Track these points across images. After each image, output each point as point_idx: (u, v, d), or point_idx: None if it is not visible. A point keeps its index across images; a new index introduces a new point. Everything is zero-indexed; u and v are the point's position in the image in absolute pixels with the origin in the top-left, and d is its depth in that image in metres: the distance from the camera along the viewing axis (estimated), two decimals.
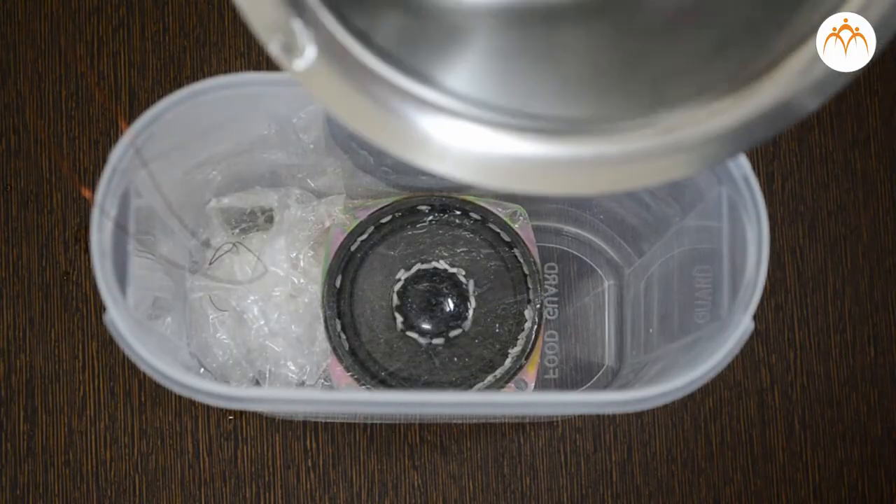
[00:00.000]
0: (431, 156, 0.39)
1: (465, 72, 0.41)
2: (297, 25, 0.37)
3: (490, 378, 0.58)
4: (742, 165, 0.47)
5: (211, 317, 0.59)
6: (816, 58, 0.38)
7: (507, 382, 0.58)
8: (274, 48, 0.37)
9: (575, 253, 0.65)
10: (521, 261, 0.59)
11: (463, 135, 0.39)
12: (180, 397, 0.64)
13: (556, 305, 0.65)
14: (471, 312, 0.59)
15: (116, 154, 0.47)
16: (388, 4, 0.41)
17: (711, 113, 0.39)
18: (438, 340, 0.58)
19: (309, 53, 0.37)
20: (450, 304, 0.59)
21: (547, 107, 0.40)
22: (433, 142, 0.39)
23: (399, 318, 0.58)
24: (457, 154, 0.39)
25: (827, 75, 0.38)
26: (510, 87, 0.41)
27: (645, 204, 0.57)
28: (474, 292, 0.59)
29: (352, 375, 0.58)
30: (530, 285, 0.59)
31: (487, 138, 0.39)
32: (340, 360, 0.58)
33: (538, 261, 0.59)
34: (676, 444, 0.65)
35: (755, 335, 0.48)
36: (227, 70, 0.68)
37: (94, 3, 0.67)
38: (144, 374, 0.46)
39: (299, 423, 0.65)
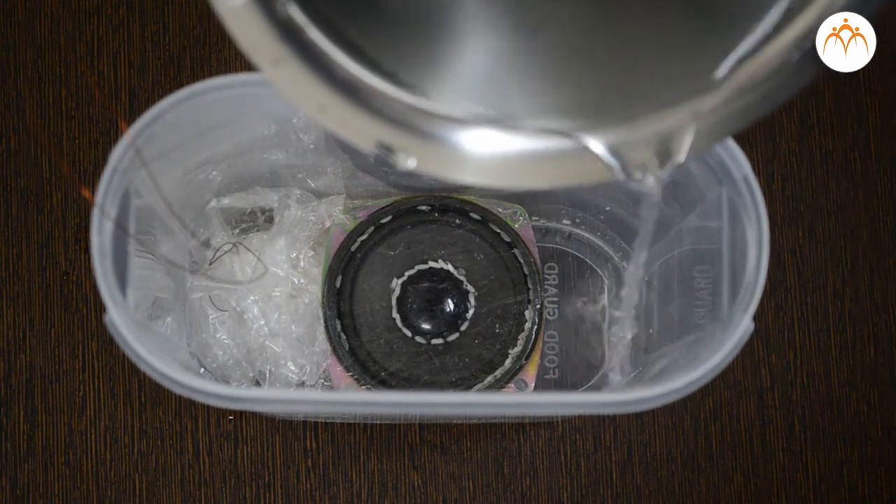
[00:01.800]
0: (456, 167, 0.39)
1: (463, 79, 0.41)
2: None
3: (490, 378, 0.58)
4: (742, 165, 0.47)
5: (211, 317, 0.59)
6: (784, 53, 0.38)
7: (507, 383, 0.58)
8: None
9: (575, 253, 0.65)
10: (521, 261, 0.59)
11: (480, 139, 0.39)
12: (180, 397, 0.63)
13: (556, 305, 0.65)
14: (471, 313, 0.59)
15: (116, 154, 0.47)
16: (382, 18, 0.41)
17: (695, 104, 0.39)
18: (438, 340, 0.58)
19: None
20: (450, 305, 0.59)
21: (540, 104, 0.41)
22: (459, 152, 0.39)
23: (399, 319, 0.58)
24: (478, 159, 0.39)
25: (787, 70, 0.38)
26: (508, 87, 0.41)
27: None
28: (474, 292, 0.59)
29: (352, 376, 0.58)
30: (530, 285, 0.59)
31: (499, 140, 0.39)
32: (340, 360, 0.58)
33: (538, 261, 0.59)
34: (676, 444, 0.65)
35: (755, 335, 0.48)
36: (228, 70, 0.67)
37: (94, 3, 0.67)
38: (144, 374, 0.46)
39: (299, 423, 0.65)
